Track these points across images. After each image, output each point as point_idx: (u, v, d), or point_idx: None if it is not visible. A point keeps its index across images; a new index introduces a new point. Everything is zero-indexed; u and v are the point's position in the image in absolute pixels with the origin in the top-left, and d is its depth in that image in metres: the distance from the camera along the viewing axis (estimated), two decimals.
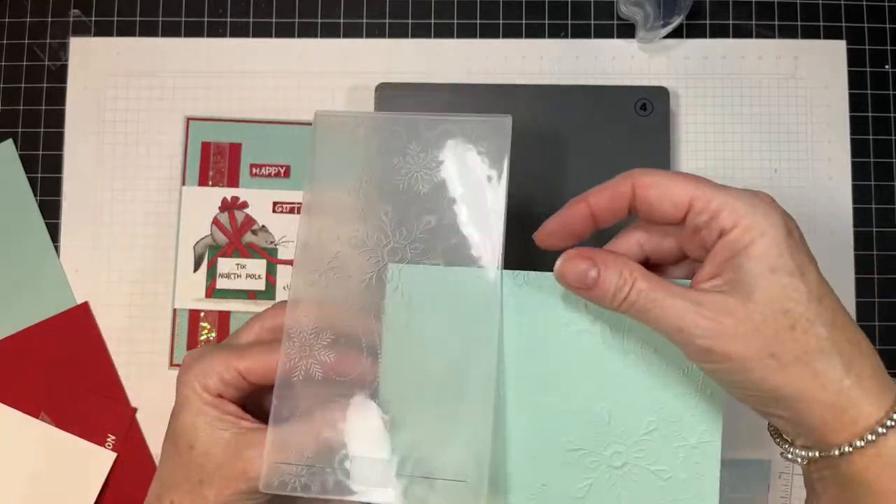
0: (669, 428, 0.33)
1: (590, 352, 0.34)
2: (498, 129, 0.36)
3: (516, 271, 0.34)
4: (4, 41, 0.50)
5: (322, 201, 0.37)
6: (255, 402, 0.37)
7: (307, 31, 0.50)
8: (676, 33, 0.49)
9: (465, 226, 0.35)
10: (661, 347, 0.33)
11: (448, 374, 0.34)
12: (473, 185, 0.36)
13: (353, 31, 0.50)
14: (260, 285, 0.47)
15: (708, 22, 0.50)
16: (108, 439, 0.46)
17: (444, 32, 0.50)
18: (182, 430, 0.34)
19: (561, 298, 0.34)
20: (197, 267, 0.48)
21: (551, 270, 0.33)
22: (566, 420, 0.34)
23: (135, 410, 0.47)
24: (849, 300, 0.47)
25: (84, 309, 0.48)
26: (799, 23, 0.50)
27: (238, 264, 0.48)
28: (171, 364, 0.47)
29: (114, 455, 0.46)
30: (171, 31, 0.50)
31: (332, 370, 0.34)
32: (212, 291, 0.47)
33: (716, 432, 0.33)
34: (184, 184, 0.48)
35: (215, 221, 0.48)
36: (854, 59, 0.49)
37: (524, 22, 0.50)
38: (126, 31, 0.50)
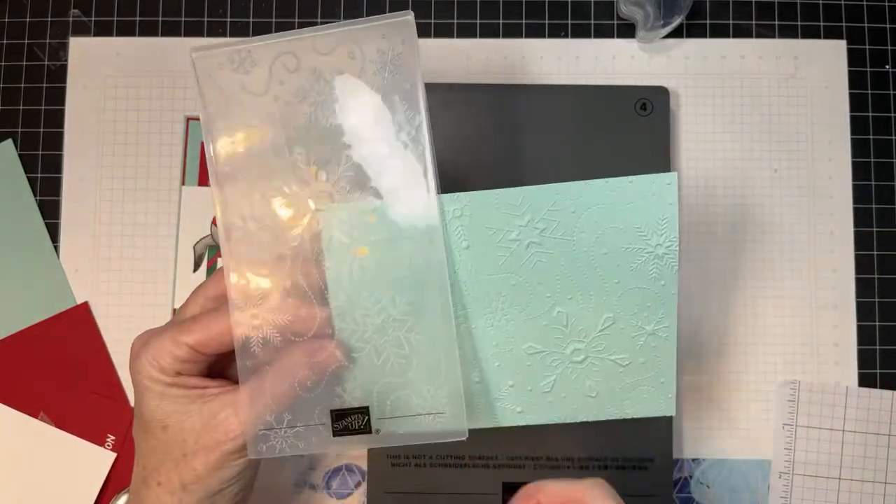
0: (626, 321, 0.34)
1: (541, 262, 0.34)
2: (402, 29, 0.31)
3: (455, 194, 0.33)
4: (4, 41, 0.50)
5: (228, 157, 0.33)
6: (217, 368, 0.36)
7: None
8: (676, 33, 0.49)
9: (389, 154, 0.32)
10: (610, 250, 0.34)
11: (404, 313, 0.33)
12: (388, 103, 0.32)
13: None
14: None
15: (708, 22, 0.50)
16: (108, 439, 0.46)
17: (444, 32, 0.50)
18: (150, 415, 0.34)
19: (507, 215, 0.33)
20: (197, 267, 0.48)
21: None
22: (525, 329, 0.34)
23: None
24: (849, 300, 0.47)
25: (84, 309, 0.48)
26: (799, 23, 0.50)
27: None
28: None
29: (114, 455, 0.46)
30: (171, 31, 0.50)
31: (289, 332, 0.33)
32: None
33: (671, 317, 0.34)
34: (184, 184, 0.48)
35: (215, 221, 0.48)
36: (854, 59, 0.49)
37: (524, 22, 0.50)
38: (126, 31, 0.50)
